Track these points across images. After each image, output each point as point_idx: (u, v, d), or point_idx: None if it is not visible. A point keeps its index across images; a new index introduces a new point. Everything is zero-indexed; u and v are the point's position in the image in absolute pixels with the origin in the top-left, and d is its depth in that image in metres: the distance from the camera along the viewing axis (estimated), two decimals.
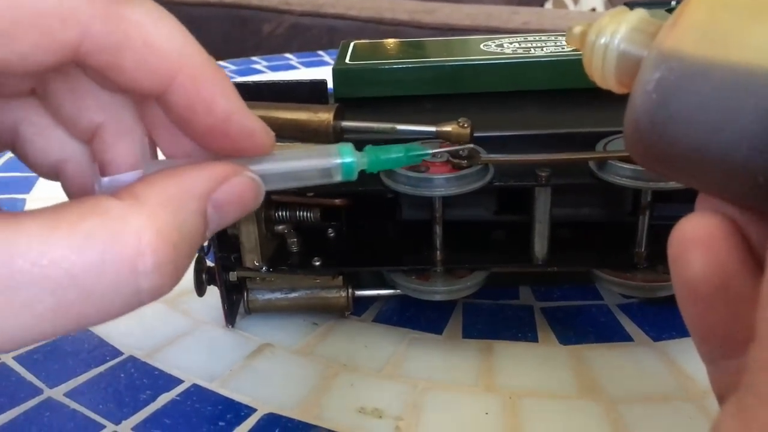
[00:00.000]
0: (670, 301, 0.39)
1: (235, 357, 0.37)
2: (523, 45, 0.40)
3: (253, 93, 0.36)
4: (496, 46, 0.40)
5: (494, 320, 0.39)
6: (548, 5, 2.08)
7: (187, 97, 0.19)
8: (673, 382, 0.34)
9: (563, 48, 0.38)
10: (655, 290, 0.35)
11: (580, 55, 0.21)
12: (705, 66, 0.17)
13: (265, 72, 0.94)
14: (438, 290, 0.37)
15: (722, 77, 0.17)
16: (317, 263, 0.36)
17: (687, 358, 0.35)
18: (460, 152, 0.33)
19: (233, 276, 0.37)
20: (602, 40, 0.20)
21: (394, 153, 0.24)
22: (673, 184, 0.32)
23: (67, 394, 0.34)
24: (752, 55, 0.16)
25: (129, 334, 0.38)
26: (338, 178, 0.23)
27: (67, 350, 0.37)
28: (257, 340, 0.38)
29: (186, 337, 0.38)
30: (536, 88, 0.38)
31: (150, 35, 0.18)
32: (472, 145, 0.33)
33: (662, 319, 0.39)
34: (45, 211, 0.17)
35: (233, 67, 0.96)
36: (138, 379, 0.35)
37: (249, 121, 0.21)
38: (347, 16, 1.42)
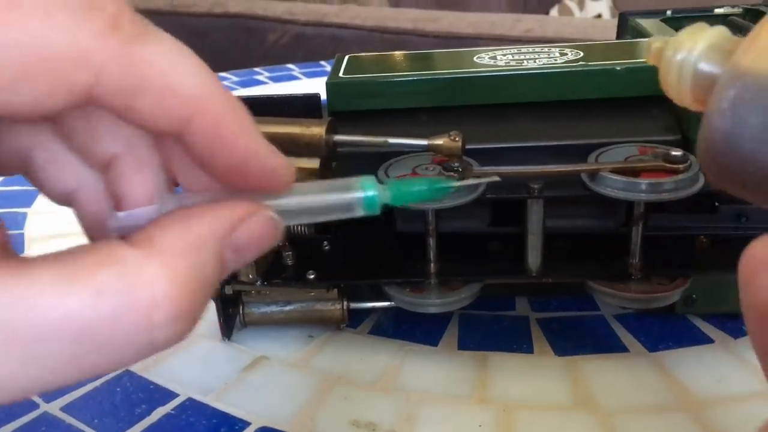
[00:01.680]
0: (666, 312, 0.39)
1: (230, 370, 0.37)
2: (516, 57, 0.40)
3: (247, 107, 0.36)
4: (489, 58, 0.40)
5: (490, 331, 0.39)
6: (554, 12, 2.08)
7: (207, 138, 0.19)
8: (668, 393, 0.34)
9: (556, 60, 0.38)
10: (649, 301, 0.35)
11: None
12: None
13: (267, 83, 0.95)
14: (432, 302, 0.37)
15: None
16: (312, 276, 0.36)
17: (682, 369, 0.35)
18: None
19: (229, 289, 0.37)
20: (679, 57, 0.20)
21: (417, 186, 0.23)
22: (664, 195, 0.32)
23: (64, 409, 0.34)
24: None
25: None
26: (360, 212, 0.21)
27: None
28: (253, 353, 0.38)
29: (182, 350, 0.38)
30: (528, 100, 0.38)
31: (168, 77, 0.17)
32: (495, 178, 0.28)
33: (658, 330, 0.39)
34: (58, 259, 0.16)
35: (235, 78, 0.96)
36: (134, 393, 0.35)
37: (270, 161, 0.20)
38: (351, 26, 1.43)
